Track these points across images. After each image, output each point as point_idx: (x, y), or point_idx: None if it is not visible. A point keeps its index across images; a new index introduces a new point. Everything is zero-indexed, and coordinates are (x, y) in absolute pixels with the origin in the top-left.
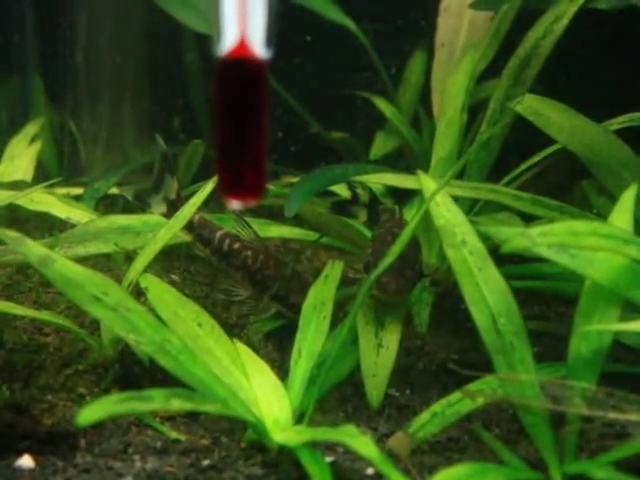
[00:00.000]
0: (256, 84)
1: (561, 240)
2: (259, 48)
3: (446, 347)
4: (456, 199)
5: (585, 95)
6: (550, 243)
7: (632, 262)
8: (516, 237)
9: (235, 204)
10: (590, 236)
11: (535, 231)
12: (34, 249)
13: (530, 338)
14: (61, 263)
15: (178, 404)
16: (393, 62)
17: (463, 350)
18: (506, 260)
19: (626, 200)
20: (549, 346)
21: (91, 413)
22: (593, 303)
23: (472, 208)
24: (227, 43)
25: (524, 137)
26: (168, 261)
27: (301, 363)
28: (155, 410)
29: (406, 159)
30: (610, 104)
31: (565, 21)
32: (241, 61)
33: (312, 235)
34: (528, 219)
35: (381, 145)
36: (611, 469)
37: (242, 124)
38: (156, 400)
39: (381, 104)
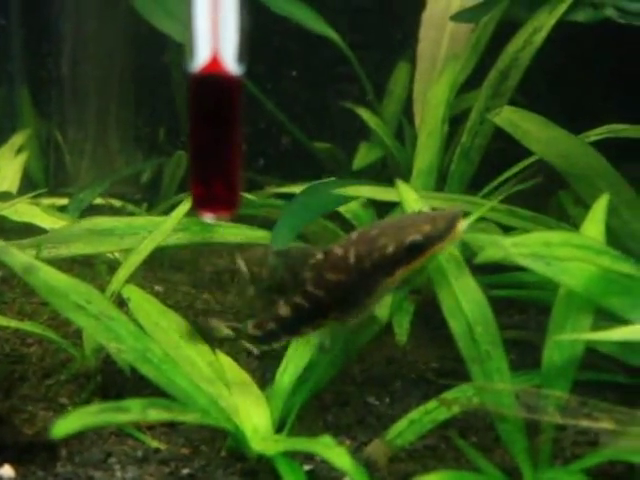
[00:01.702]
0: (229, 99)
1: (534, 250)
2: (232, 64)
3: (427, 356)
4: None
5: (567, 106)
6: (523, 253)
7: (606, 271)
8: (489, 247)
9: (208, 217)
10: (563, 246)
11: (508, 242)
12: (18, 257)
13: (509, 346)
14: (45, 271)
15: (155, 414)
16: (378, 73)
17: (443, 359)
18: (486, 269)
19: (598, 210)
20: (527, 354)
21: (67, 424)
22: (566, 312)
23: None
24: (200, 59)
25: (507, 147)
26: (152, 271)
27: (286, 375)
28: (132, 421)
29: (389, 170)
30: (592, 115)
31: (544, 33)
32: (214, 77)
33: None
34: (506, 230)
35: (364, 156)
36: (581, 476)
37: (215, 139)
38: (133, 411)
39: (365, 115)
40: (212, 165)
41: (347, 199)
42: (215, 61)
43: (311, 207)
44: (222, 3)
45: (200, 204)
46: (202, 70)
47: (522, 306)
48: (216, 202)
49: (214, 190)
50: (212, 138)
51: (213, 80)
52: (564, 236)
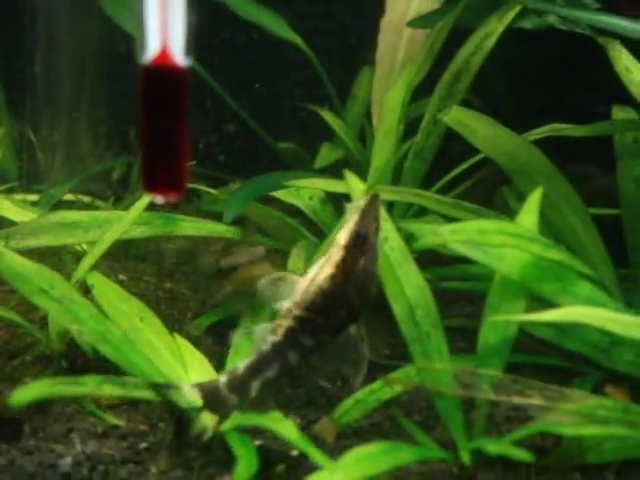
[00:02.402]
0: (176, 89)
1: (469, 237)
2: (179, 57)
3: (378, 343)
4: (392, 205)
5: (517, 106)
6: (459, 240)
7: (538, 258)
8: (428, 234)
9: (158, 199)
10: (497, 234)
11: (446, 229)
12: None
13: (458, 335)
14: (10, 257)
15: (109, 390)
16: (343, 77)
17: (394, 346)
18: (438, 262)
19: (532, 201)
20: (473, 341)
21: (25, 393)
22: (501, 296)
23: (406, 213)
24: (150, 52)
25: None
26: (117, 262)
27: (240, 355)
28: (87, 394)
29: (351, 170)
30: (541, 115)
31: (494, 39)
32: (163, 68)
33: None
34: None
35: (326, 156)
36: (506, 445)
37: (163, 125)
38: (88, 385)
39: (328, 117)
40: (161, 150)
41: (297, 177)
42: (164, 53)
43: (263, 183)
44: (171, 1)
45: (150, 187)
46: (152, 62)
47: (472, 298)
48: (164, 185)
49: (162, 174)
50: (160, 125)
51: (162, 71)
52: (498, 224)
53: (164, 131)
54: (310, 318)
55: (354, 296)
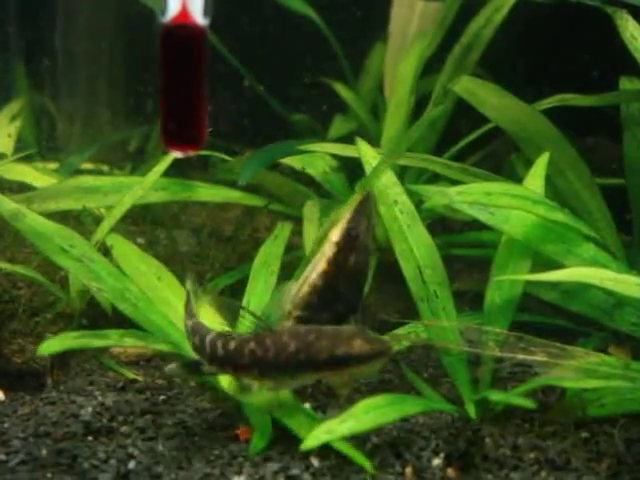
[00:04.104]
0: (195, 46)
1: (476, 199)
2: (198, 16)
3: (388, 307)
4: (403, 171)
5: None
6: (466, 201)
7: (544, 220)
8: (436, 195)
9: (177, 154)
10: (503, 196)
11: (453, 190)
12: (6, 205)
13: (465, 299)
14: (31, 218)
15: (131, 342)
16: (356, 51)
17: (403, 310)
18: (449, 231)
19: (539, 166)
20: (481, 305)
21: (50, 345)
22: (507, 256)
23: (417, 181)
24: (171, 13)
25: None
26: (135, 226)
27: None
28: (109, 346)
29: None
30: (546, 85)
31: (504, 12)
32: (183, 26)
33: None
34: None
35: (339, 127)
36: (504, 394)
37: (183, 82)
38: (111, 337)
39: (342, 90)
40: (180, 106)
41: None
42: (184, 13)
43: (278, 149)
44: None
45: (169, 142)
46: (172, 20)
47: (482, 265)
48: (184, 139)
49: (182, 129)
50: (180, 82)
51: (182, 29)
52: (504, 187)
53: (183, 88)
54: (309, 316)
55: (348, 290)
